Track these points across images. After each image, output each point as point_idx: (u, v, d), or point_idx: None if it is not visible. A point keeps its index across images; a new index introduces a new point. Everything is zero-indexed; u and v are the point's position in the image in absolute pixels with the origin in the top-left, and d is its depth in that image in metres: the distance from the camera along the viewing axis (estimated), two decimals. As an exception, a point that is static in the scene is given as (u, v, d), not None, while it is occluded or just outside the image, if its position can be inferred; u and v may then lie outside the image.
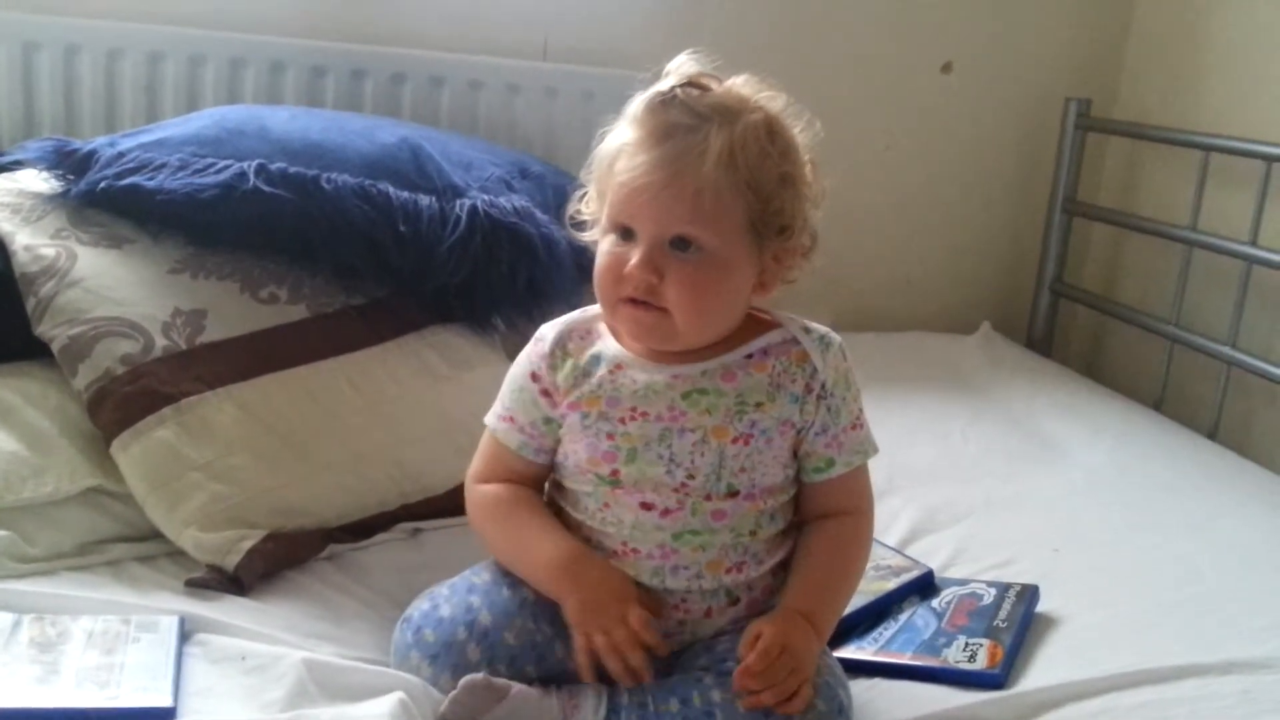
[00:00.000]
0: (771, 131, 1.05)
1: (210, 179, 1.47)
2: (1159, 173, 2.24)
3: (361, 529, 1.36)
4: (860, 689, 1.13)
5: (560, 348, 1.13)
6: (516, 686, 1.03)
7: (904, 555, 1.38)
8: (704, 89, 1.05)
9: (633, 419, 1.08)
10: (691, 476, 1.07)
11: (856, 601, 1.25)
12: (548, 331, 1.15)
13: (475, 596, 1.09)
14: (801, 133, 1.08)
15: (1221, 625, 1.26)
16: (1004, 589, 1.29)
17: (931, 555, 1.40)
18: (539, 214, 1.61)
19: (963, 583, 1.33)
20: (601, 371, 1.10)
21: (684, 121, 1.03)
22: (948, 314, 2.36)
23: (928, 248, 2.38)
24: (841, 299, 2.24)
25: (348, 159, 1.56)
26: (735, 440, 1.07)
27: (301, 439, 1.36)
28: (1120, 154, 2.33)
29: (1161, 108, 2.22)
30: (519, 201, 1.61)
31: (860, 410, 1.13)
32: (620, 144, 1.07)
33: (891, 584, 1.30)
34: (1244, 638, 1.22)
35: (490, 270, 1.55)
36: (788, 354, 1.10)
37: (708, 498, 1.07)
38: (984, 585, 1.31)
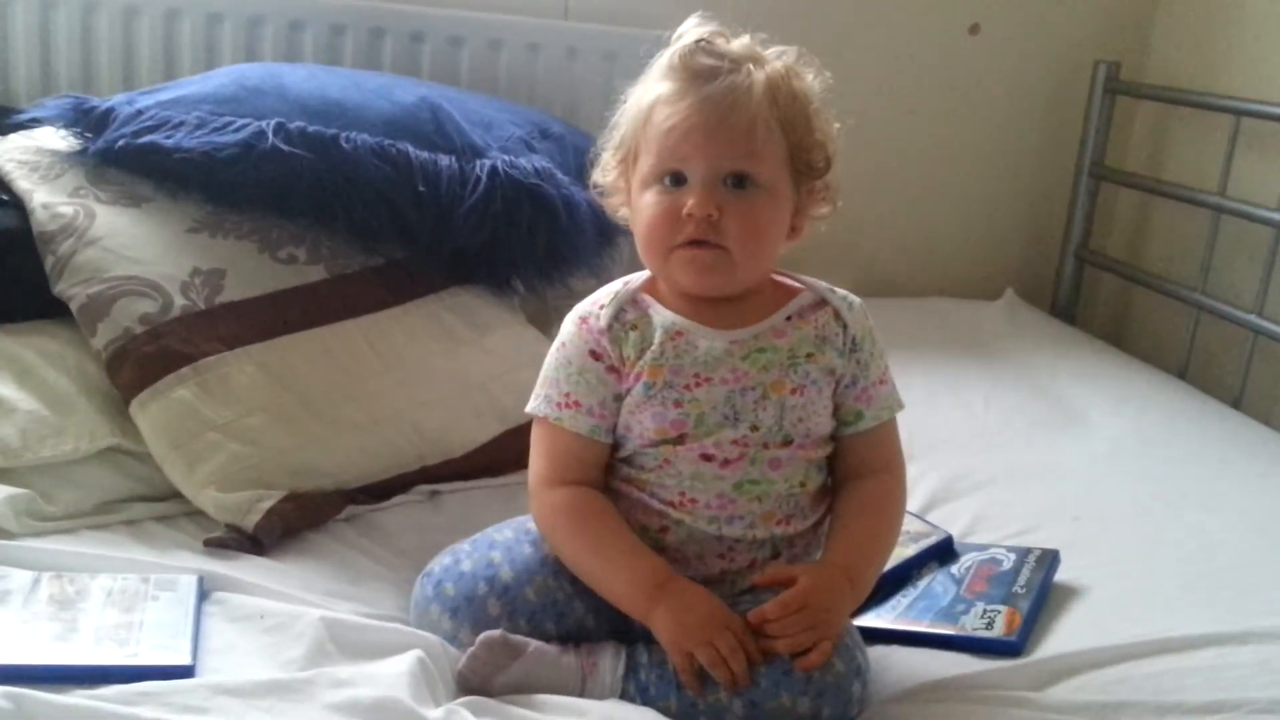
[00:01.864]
0: (791, 75, 1.09)
1: (229, 137, 1.47)
2: (1188, 138, 2.20)
3: (380, 491, 1.36)
4: (877, 654, 1.12)
5: (619, 320, 1.11)
6: (534, 644, 1.04)
7: (924, 520, 1.38)
8: (723, 42, 1.09)
9: (699, 385, 1.09)
10: (755, 429, 1.09)
11: (877, 568, 1.26)
12: (591, 308, 1.12)
13: (497, 552, 1.10)
14: (815, 80, 1.11)
15: (1240, 596, 1.25)
16: (1024, 554, 1.29)
17: (951, 522, 1.39)
18: (560, 175, 1.60)
19: (982, 548, 1.32)
20: (660, 338, 1.10)
21: (721, 65, 1.06)
22: (971, 280, 2.34)
23: (952, 213, 2.36)
24: (864, 264, 2.23)
25: (366, 118, 1.55)
26: (793, 392, 1.10)
27: (320, 400, 1.36)
28: (1149, 118, 2.30)
29: (1191, 72, 2.18)
30: (539, 162, 1.60)
31: (886, 366, 1.16)
32: (655, 96, 1.08)
33: (911, 550, 1.30)
34: (1263, 608, 1.21)
35: (510, 232, 1.54)
36: (821, 311, 1.13)
37: (765, 446, 1.09)
38: (1004, 550, 1.30)
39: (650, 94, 1.08)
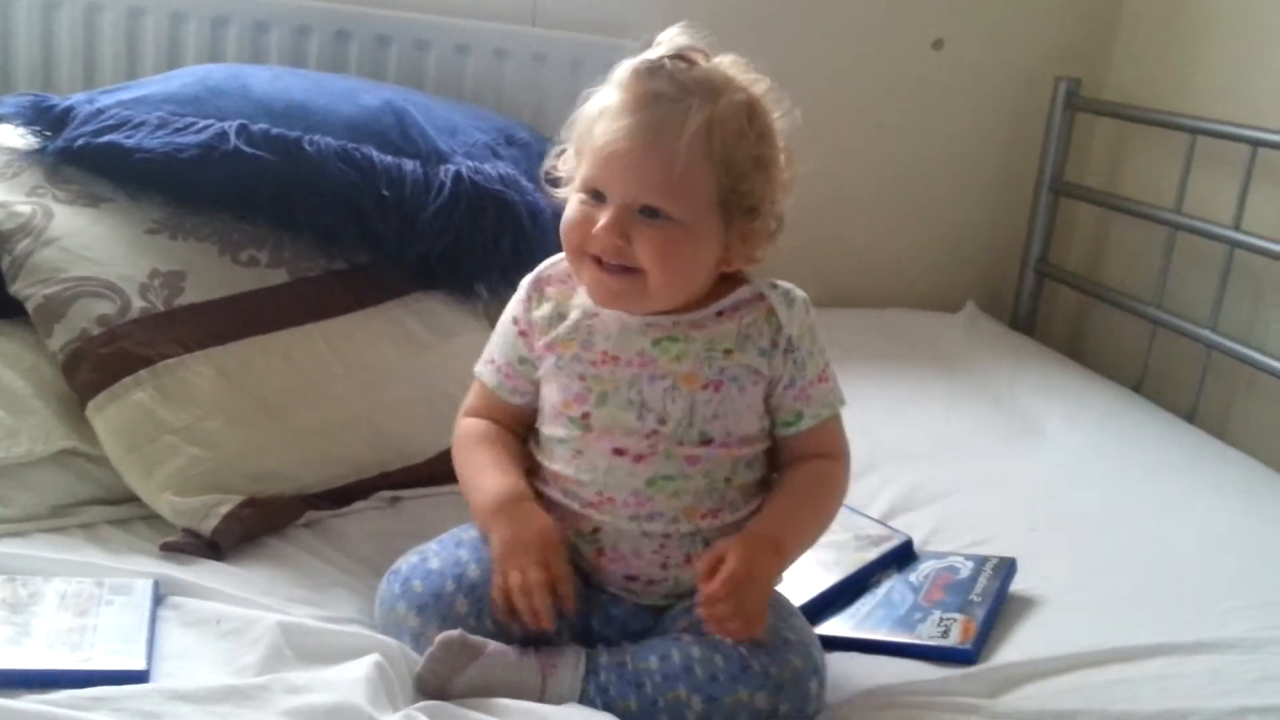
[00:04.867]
0: (752, 113, 1.07)
1: (190, 138, 1.46)
2: (1146, 155, 2.23)
3: (340, 496, 1.36)
4: (835, 660, 1.13)
5: (537, 290, 1.17)
6: (493, 645, 1.04)
7: (884, 525, 1.40)
8: (691, 63, 1.07)
9: (604, 362, 1.11)
10: (663, 422, 1.09)
11: (836, 575, 1.27)
12: (528, 277, 1.19)
13: (464, 550, 1.11)
14: (781, 119, 1.10)
15: (1193, 606, 1.27)
16: (981, 561, 1.30)
17: (910, 531, 1.40)
18: (524, 182, 1.60)
19: (940, 555, 1.33)
20: (576, 316, 1.13)
21: (667, 92, 1.05)
22: (933, 292, 2.36)
23: (914, 225, 2.38)
24: (826, 275, 2.23)
25: (330, 121, 1.54)
26: (705, 387, 1.09)
27: (280, 404, 1.35)
28: (1108, 135, 2.33)
29: (1151, 90, 2.22)
30: (504, 169, 1.60)
31: (826, 364, 1.15)
32: (602, 107, 1.08)
33: (872, 554, 1.31)
34: (1214, 619, 1.23)
35: (474, 238, 1.54)
36: (756, 308, 1.12)
37: (680, 443, 1.10)
38: (961, 559, 1.32)
39: (600, 103, 1.09)
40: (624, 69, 1.08)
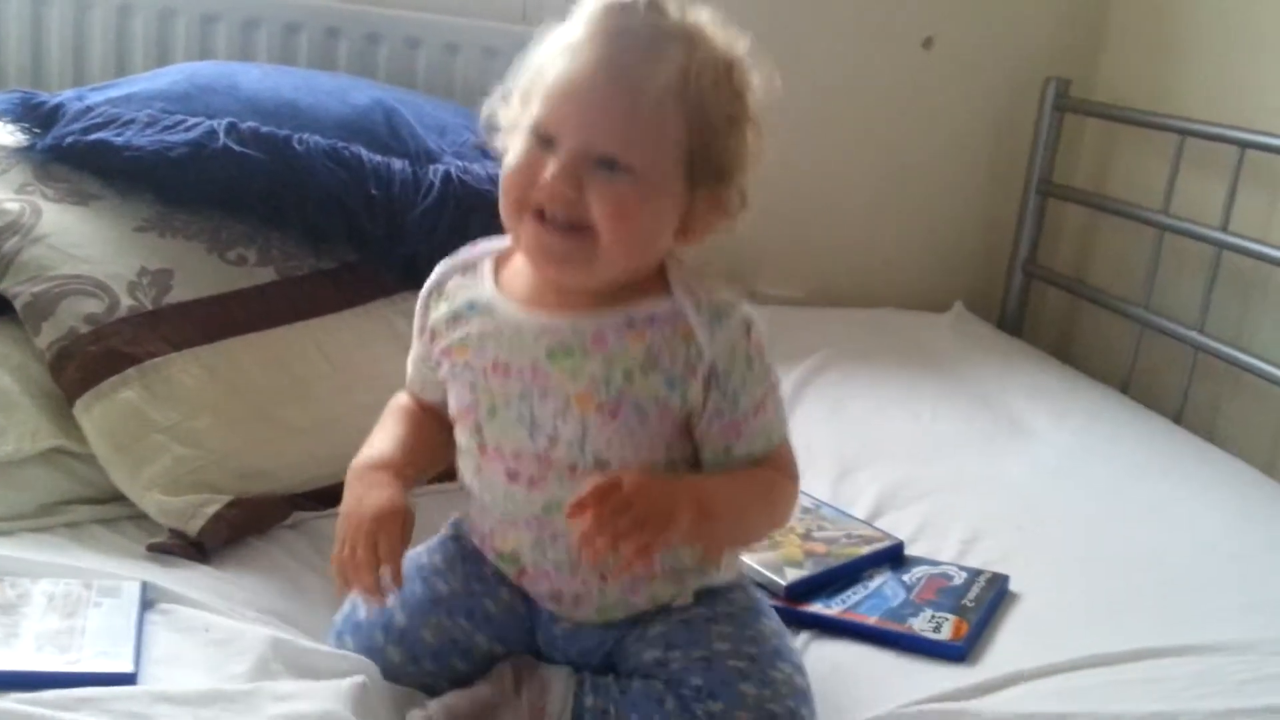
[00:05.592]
0: (730, 68, 0.96)
1: (179, 136, 1.45)
2: (1134, 156, 2.24)
3: (326, 496, 1.35)
4: (823, 657, 1.13)
5: (438, 289, 1.07)
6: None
7: (874, 527, 1.40)
8: (666, 13, 0.95)
9: (495, 371, 1.00)
10: (553, 442, 0.98)
11: (829, 563, 1.27)
12: (440, 265, 1.08)
13: (390, 596, 1.00)
14: (758, 82, 0.98)
15: (1179, 609, 1.27)
16: (974, 574, 1.30)
17: (896, 531, 1.41)
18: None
19: (934, 563, 1.33)
20: (473, 318, 1.02)
21: (641, 30, 0.93)
22: (921, 292, 2.36)
23: (903, 225, 2.38)
24: (815, 275, 2.24)
25: (320, 120, 1.54)
26: (600, 409, 0.97)
27: (267, 403, 1.35)
28: (1097, 136, 2.34)
29: (1139, 91, 2.22)
30: (493, 169, 1.59)
31: (766, 393, 1.00)
32: (564, 42, 0.94)
33: (864, 550, 1.31)
34: (1201, 621, 1.24)
35: (462, 238, 1.52)
36: (672, 326, 0.97)
37: (572, 468, 0.98)
38: (955, 568, 1.32)
39: (562, 38, 0.95)
40: (592, 3, 0.95)
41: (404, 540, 0.98)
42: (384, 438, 1.08)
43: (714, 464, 1.01)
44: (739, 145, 0.96)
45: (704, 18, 0.97)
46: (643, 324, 0.97)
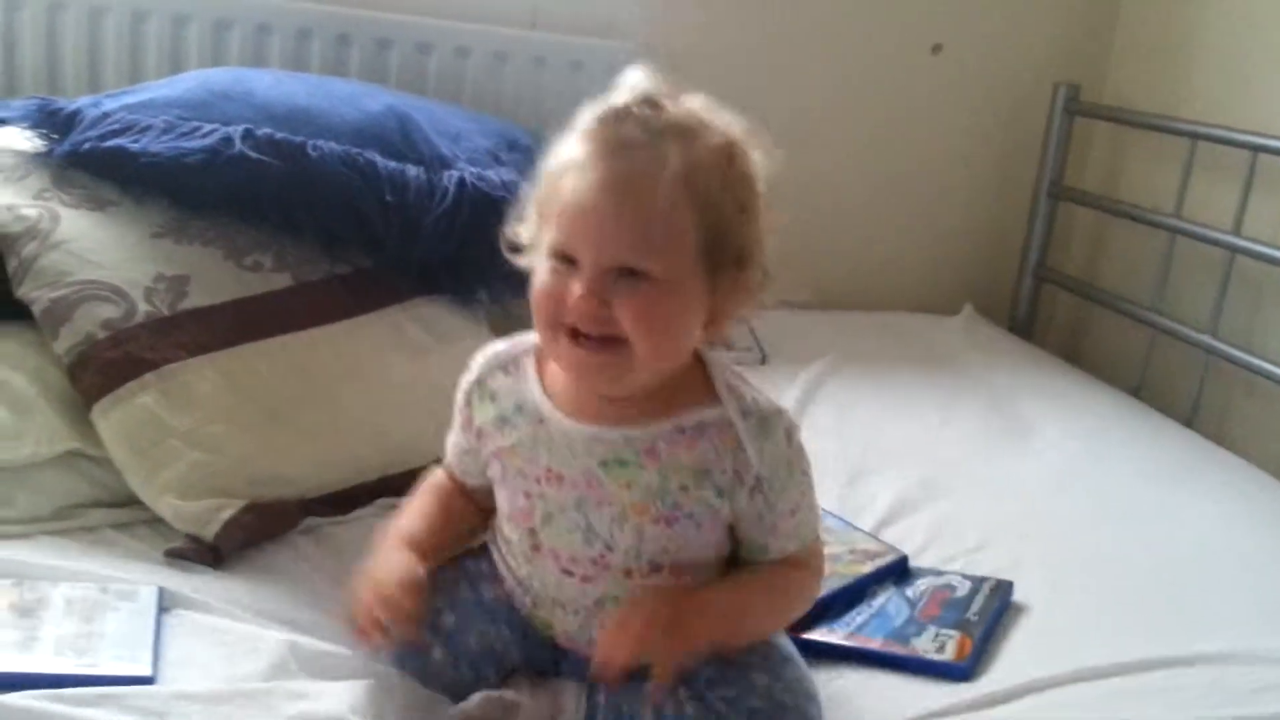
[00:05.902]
0: (731, 154, 0.97)
1: (196, 143, 1.46)
2: (1145, 160, 2.24)
3: (341, 501, 1.36)
4: (828, 674, 1.13)
5: (481, 385, 1.08)
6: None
7: (879, 540, 1.39)
8: (659, 108, 0.96)
9: (549, 480, 1.02)
10: (610, 549, 1.01)
11: (832, 584, 1.26)
12: (479, 359, 1.10)
13: (439, 597, 1.05)
14: (760, 160, 0.99)
15: (1191, 616, 1.27)
16: (979, 582, 1.30)
17: (905, 538, 1.41)
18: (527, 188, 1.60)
19: (938, 573, 1.33)
20: (521, 423, 1.04)
21: (638, 137, 0.94)
22: (931, 295, 2.37)
23: (913, 228, 2.39)
24: (825, 278, 2.25)
25: (334, 126, 1.55)
26: (657, 521, 1.00)
27: (283, 408, 1.36)
28: (1107, 140, 2.34)
29: (1149, 95, 2.22)
30: (507, 175, 1.60)
31: (802, 495, 1.04)
32: (567, 161, 0.97)
33: (867, 567, 1.31)
34: (1213, 629, 1.24)
35: (476, 244, 1.54)
36: (720, 436, 1.00)
37: (628, 572, 1.02)
38: (959, 577, 1.31)
39: (565, 155, 0.97)
40: (587, 116, 0.97)
41: (415, 608, 1.01)
42: (411, 514, 1.11)
43: (749, 560, 1.06)
44: (752, 228, 0.98)
45: (697, 104, 0.98)
46: (693, 432, 1.00)
